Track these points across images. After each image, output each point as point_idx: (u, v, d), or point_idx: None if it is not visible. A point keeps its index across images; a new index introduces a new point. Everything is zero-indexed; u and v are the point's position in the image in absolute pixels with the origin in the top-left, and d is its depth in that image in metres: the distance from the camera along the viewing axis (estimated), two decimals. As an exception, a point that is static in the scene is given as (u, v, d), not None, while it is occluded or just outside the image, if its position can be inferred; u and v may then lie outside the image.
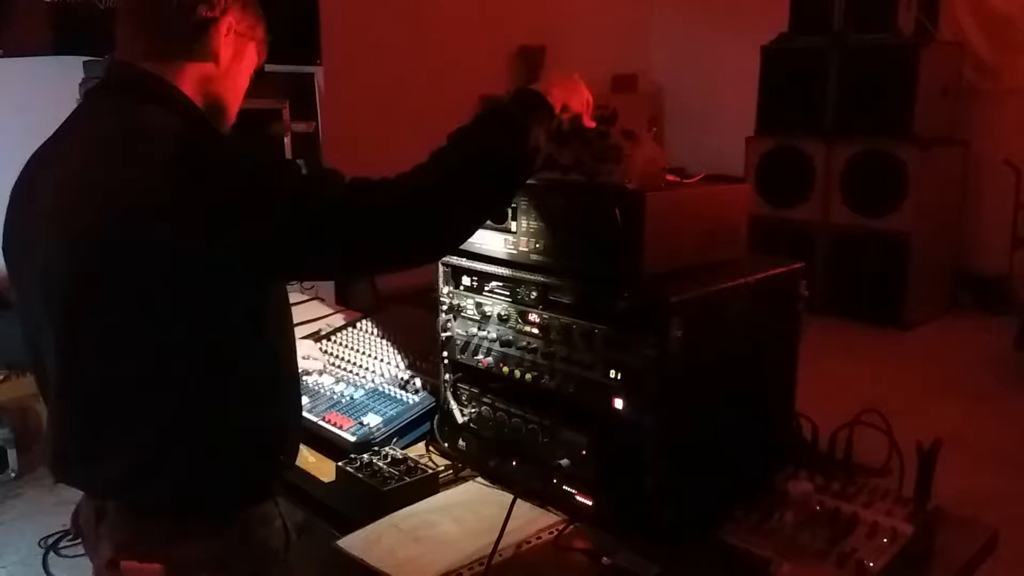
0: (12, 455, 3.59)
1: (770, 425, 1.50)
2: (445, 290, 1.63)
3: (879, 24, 5.40)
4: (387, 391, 1.81)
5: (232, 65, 1.29)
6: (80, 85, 3.73)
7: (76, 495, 1.36)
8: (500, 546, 1.32)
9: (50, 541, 3.08)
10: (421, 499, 1.52)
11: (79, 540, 1.38)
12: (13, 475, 3.59)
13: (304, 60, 4.24)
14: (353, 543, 1.40)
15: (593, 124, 1.41)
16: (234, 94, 1.33)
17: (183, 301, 1.13)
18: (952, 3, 5.78)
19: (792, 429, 1.53)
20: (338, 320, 2.20)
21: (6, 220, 1.30)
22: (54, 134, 1.29)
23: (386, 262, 1.32)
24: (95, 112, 1.26)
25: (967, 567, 1.34)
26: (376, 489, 1.49)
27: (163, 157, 1.12)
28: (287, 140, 3.74)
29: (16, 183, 1.30)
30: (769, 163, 5.94)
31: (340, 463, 1.57)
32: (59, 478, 1.31)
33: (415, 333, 1.98)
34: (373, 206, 1.17)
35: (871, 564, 1.21)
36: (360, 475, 1.53)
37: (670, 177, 1.43)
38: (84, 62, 3.75)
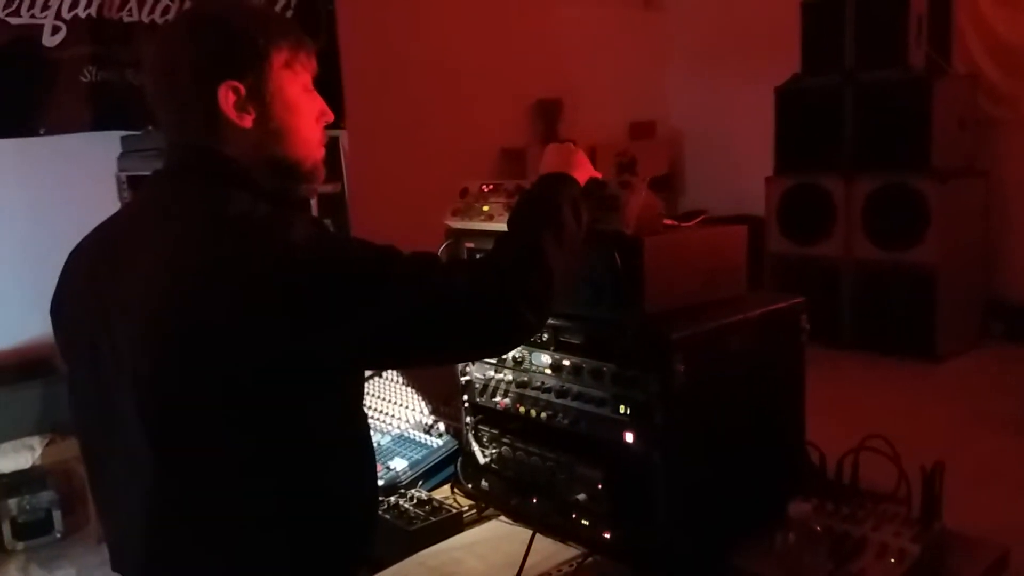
0: (57, 516, 3.69)
1: (779, 454, 1.55)
2: (463, 337, 1.71)
3: (890, 60, 5.48)
4: (412, 436, 1.89)
5: (268, 120, 1.23)
6: (118, 160, 3.92)
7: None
8: (522, 579, 1.39)
9: (98, 602, 3.16)
10: (446, 538, 1.58)
11: None
12: (59, 536, 3.69)
13: (330, 126, 4.40)
14: (383, 581, 1.47)
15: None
16: (293, 141, 1.26)
17: (286, 398, 1.12)
18: (963, 36, 5.86)
19: (803, 457, 1.57)
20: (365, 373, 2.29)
21: (63, 294, 1.30)
22: (122, 220, 1.28)
23: (501, 338, 1.24)
24: (172, 200, 1.22)
25: (976, 586, 1.38)
26: (403, 529, 1.57)
27: (261, 259, 1.08)
28: (313, 202, 3.87)
29: (78, 260, 1.28)
30: (790, 201, 5.99)
31: (368, 506, 1.64)
32: None
33: (438, 380, 2.07)
34: (488, 283, 1.17)
35: (878, 584, 1.25)
36: (388, 516, 1.61)
37: (668, 222, 1.51)
38: (122, 137, 3.94)
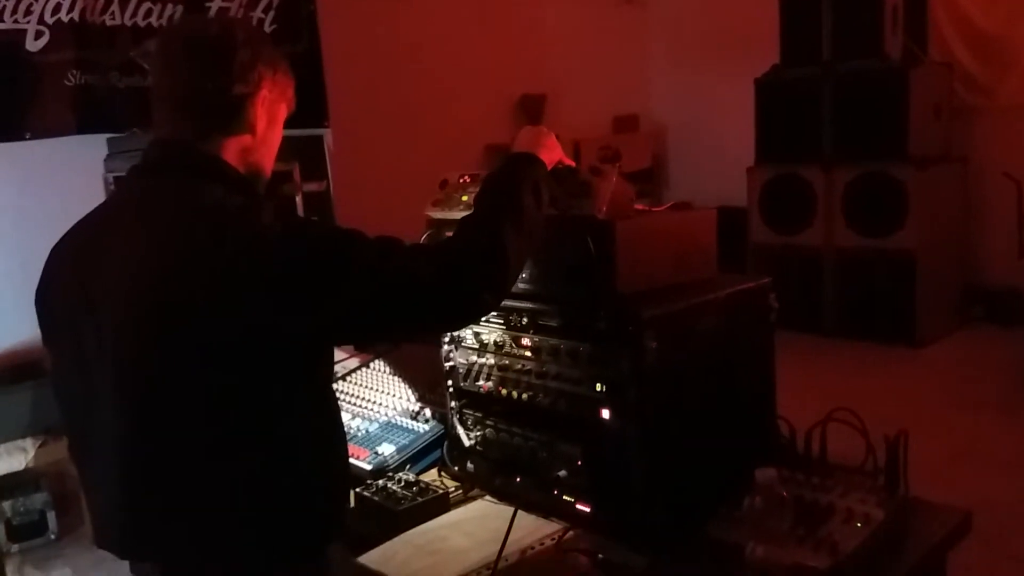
0: (52, 518, 3.72)
1: (750, 428, 1.61)
2: (446, 324, 1.77)
3: (867, 50, 5.55)
4: (399, 423, 1.94)
5: (268, 132, 1.36)
6: (105, 162, 3.95)
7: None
8: (505, 553, 1.45)
9: (97, 596, 3.20)
10: (433, 518, 1.64)
11: None
12: (53, 537, 3.72)
13: (313, 124, 4.45)
14: (372, 558, 1.52)
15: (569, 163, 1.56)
16: (270, 158, 1.40)
17: (259, 376, 1.19)
18: (938, 25, 5.95)
19: (773, 431, 1.64)
20: (352, 362, 2.35)
21: (46, 284, 1.35)
22: (104, 214, 1.34)
23: (459, 316, 1.36)
24: (152, 192, 1.29)
25: (939, 547, 1.44)
26: (391, 510, 1.62)
27: (234, 243, 1.16)
28: (299, 200, 3.92)
29: (61, 251, 1.34)
30: (771, 192, 6.07)
31: (357, 488, 1.70)
32: (123, 554, 1.33)
33: (424, 368, 2.12)
34: (447, 265, 1.25)
35: (843, 546, 1.32)
36: (376, 498, 1.66)
37: (639, 207, 1.57)
38: (108, 139, 3.96)
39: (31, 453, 3.72)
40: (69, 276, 1.31)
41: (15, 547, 3.75)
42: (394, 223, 1.77)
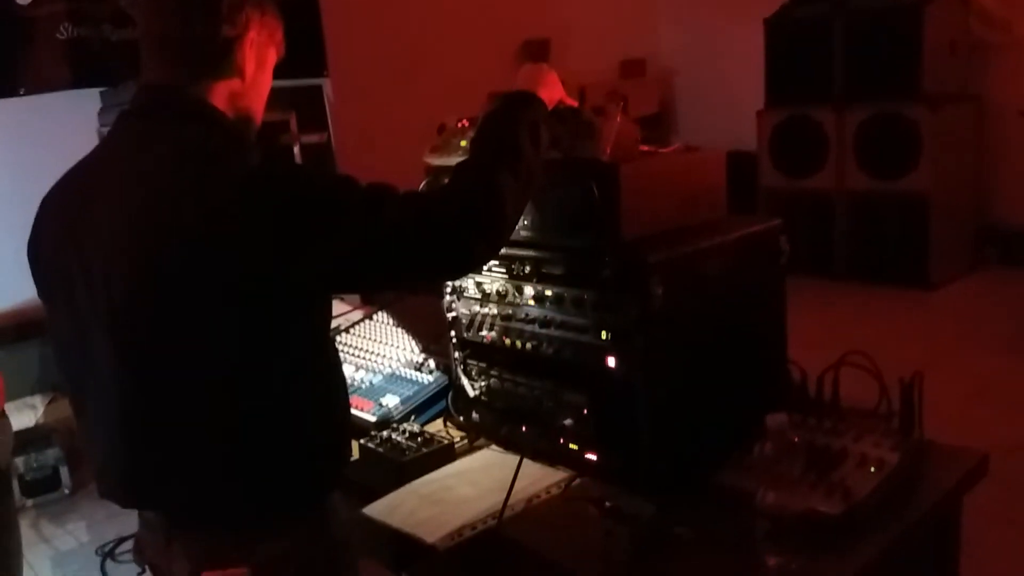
0: (64, 472, 3.76)
1: (760, 373, 1.58)
2: (448, 273, 1.73)
3: (880, -15, 5.41)
4: (403, 374, 1.92)
5: (257, 75, 1.32)
6: (99, 115, 3.89)
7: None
8: (511, 501, 1.43)
9: (106, 549, 3.24)
10: (438, 468, 1.62)
11: (143, 572, 1.40)
12: (67, 492, 3.76)
13: (311, 73, 4.36)
14: (377, 509, 1.51)
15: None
16: (260, 103, 1.36)
17: (254, 320, 1.16)
18: (953, -42, 5.77)
19: (784, 376, 1.60)
20: (356, 314, 2.32)
21: (38, 235, 1.33)
22: (91, 162, 1.30)
23: (453, 266, 1.31)
24: (140, 137, 1.26)
25: (955, 490, 1.41)
26: (396, 461, 1.60)
27: (226, 182, 1.14)
28: (296, 150, 3.86)
29: (51, 201, 1.31)
30: (782, 134, 5.97)
31: (362, 440, 1.68)
32: (125, 503, 1.32)
33: (428, 319, 2.08)
34: (440, 215, 1.20)
35: (857, 491, 1.29)
36: (380, 449, 1.64)
37: (644, 148, 1.51)
38: (101, 92, 3.91)
39: (40, 410, 3.74)
40: (58, 226, 1.29)
41: (30, 502, 3.79)
42: (398, 174, 1.72)
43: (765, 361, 1.60)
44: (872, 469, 1.35)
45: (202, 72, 1.26)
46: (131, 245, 1.16)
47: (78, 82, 3.90)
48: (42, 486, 3.78)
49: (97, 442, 1.31)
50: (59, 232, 1.27)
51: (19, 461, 3.76)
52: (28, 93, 3.82)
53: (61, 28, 3.86)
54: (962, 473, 1.43)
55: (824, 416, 1.49)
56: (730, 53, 6.75)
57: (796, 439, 1.23)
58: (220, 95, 1.28)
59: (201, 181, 1.14)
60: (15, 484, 3.76)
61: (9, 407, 3.69)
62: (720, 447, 1.42)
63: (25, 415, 3.73)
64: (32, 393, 3.76)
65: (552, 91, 1.42)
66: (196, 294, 1.13)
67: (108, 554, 3.21)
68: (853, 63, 5.58)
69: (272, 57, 1.35)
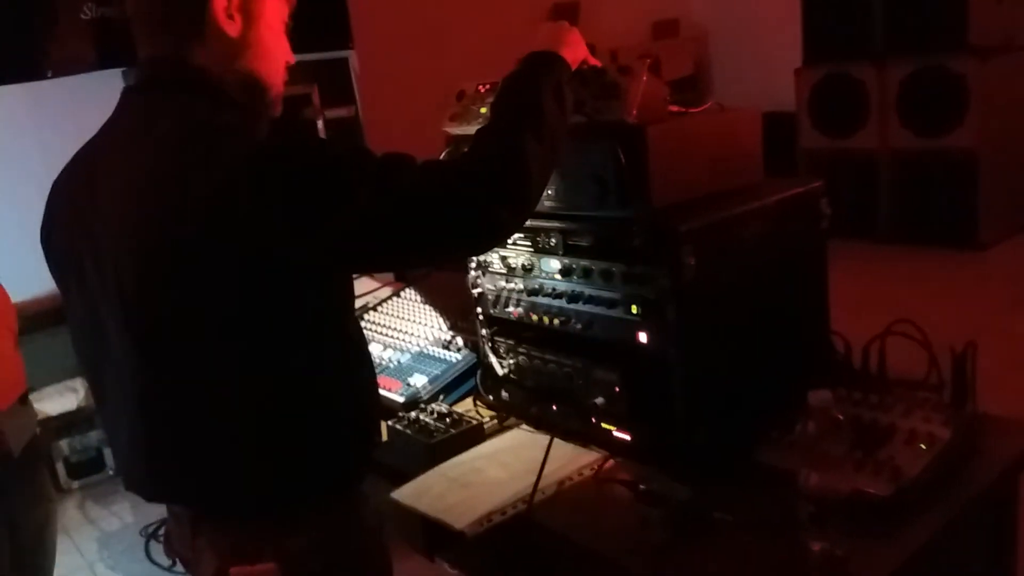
0: (108, 454, 3.80)
1: (801, 345, 1.50)
2: (472, 247, 1.67)
3: (922, -70, 5.19)
4: (431, 352, 1.87)
5: (252, 33, 1.22)
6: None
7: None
8: (543, 484, 1.38)
9: (150, 530, 3.27)
10: (467, 449, 1.57)
11: (175, 564, 1.35)
12: (112, 473, 3.81)
13: (336, 46, 4.28)
14: (405, 493, 1.47)
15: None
16: (266, 62, 1.25)
17: (268, 301, 1.11)
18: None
19: (827, 347, 1.52)
20: (384, 292, 2.27)
21: (48, 222, 1.29)
22: (98, 141, 1.26)
23: (476, 239, 1.21)
24: (146, 113, 1.21)
25: (1012, 467, 1.33)
26: (423, 442, 1.56)
27: (233, 159, 1.08)
28: (320, 125, 3.79)
29: (59, 187, 1.28)
30: (820, 93, 5.79)
31: (390, 421, 1.64)
32: (150, 496, 1.28)
33: (455, 295, 2.03)
34: (459, 183, 1.12)
35: (906, 470, 1.21)
36: (408, 431, 1.60)
37: (674, 108, 1.43)
38: (123, 72, 3.89)
39: (82, 392, 3.78)
40: (67, 210, 1.25)
41: (75, 484, 3.85)
42: (427, 146, 1.67)
43: (806, 332, 1.52)
44: (922, 446, 1.27)
45: (186, 36, 1.19)
46: (138, 227, 1.11)
47: (104, 62, 3.88)
48: (86, 468, 3.84)
49: (119, 433, 1.28)
50: (68, 216, 1.24)
51: (63, 444, 3.83)
52: (56, 75, 3.81)
53: (85, 8, 3.84)
54: (1019, 449, 1.34)
55: (870, 389, 1.41)
56: (765, 9, 6.54)
57: (840, 416, 1.16)
58: (214, 59, 1.20)
59: (208, 158, 1.08)
60: (60, 467, 3.84)
61: (50, 390, 3.75)
62: (759, 425, 1.35)
63: (67, 398, 3.77)
64: (73, 376, 3.79)
65: (576, 51, 1.33)
66: (206, 276, 1.08)
67: (152, 535, 3.24)
68: (894, 15, 5.37)
69: (269, 10, 1.25)
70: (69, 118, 3.94)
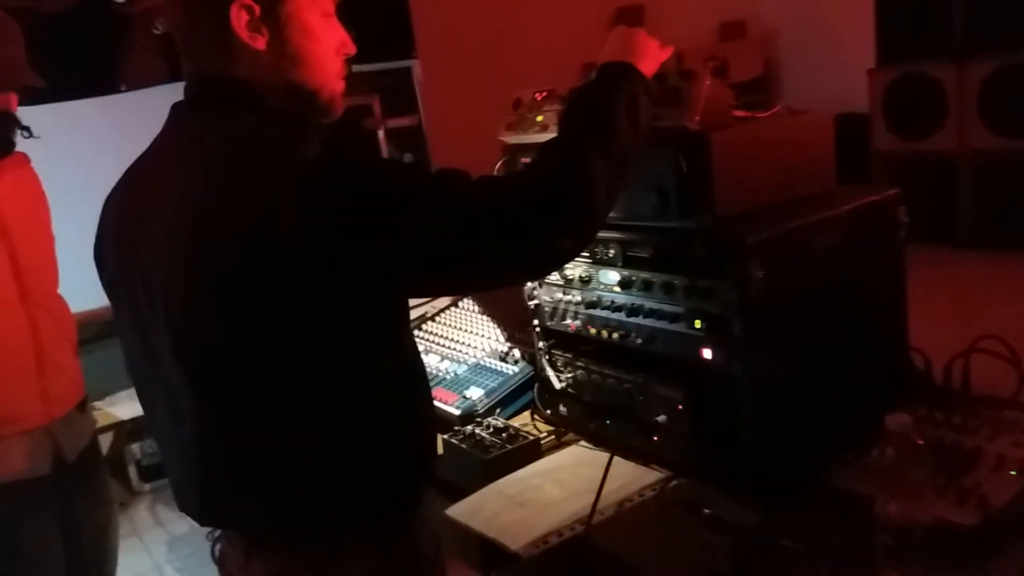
0: (176, 459, 3.88)
1: (878, 362, 1.42)
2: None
3: (1004, -78, 4.96)
4: (488, 364, 1.84)
5: (290, 39, 1.16)
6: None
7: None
8: (602, 505, 1.33)
9: (217, 534, 3.31)
10: (524, 465, 1.53)
11: None
12: (181, 476, 3.89)
13: (399, 55, 4.31)
14: (460, 511, 1.44)
15: None
16: (311, 70, 1.19)
17: (318, 323, 1.07)
18: None
19: (906, 365, 1.44)
20: (442, 302, 2.25)
21: (100, 240, 1.28)
22: (148, 158, 1.23)
23: (532, 264, 1.16)
24: (195, 129, 1.18)
25: (1113, 497, 1.22)
26: (479, 458, 1.53)
27: (282, 177, 1.04)
28: (381, 135, 3.81)
29: (110, 204, 1.26)
30: (896, 94, 5.58)
31: (445, 436, 1.61)
32: (202, 520, 1.25)
33: (513, 305, 1.99)
34: (517, 203, 1.06)
35: (994, 499, 1.13)
36: (464, 446, 1.57)
37: (739, 113, 1.36)
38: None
39: (153, 398, 3.86)
40: (117, 227, 1.23)
41: (147, 486, 3.95)
42: (492, 155, 1.64)
43: (883, 348, 1.44)
44: (1012, 472, 1.18)
45: (222, 47, 1.14)
46: (186, 247, 1.08)
47: (176, 75, 3.97)
48: (158, 471, 3.92)
49: (171, 456, 1.26)
50: (118, 233, 1.23)
51: (135, 447, 3.93)
52: (129, 89, 3.93)
53: (156, 23, 3.94)
54: (1122, 476, 1.23)
55: (953, 410, 1.32)
56: (836, 9, 6.34)
57: (920, 441, 1.08)
58: (255, 70, 1.15)
59: (256, 177, 1.05)
60: (132, 469, 3.93)
61: (122, 396, 3.84)
62: (833, 447, 1.28)
63: (137, 403, 3.86)
64: (143, 382, 3.88)
65: (650, 61, 1.25)
66: (255, 298, 1.05)
67: (218, 539, 3.29)
68: (973, 11, 5.15)
69: (306, 11, 1.17)
70: (142, 129, 4.06)
